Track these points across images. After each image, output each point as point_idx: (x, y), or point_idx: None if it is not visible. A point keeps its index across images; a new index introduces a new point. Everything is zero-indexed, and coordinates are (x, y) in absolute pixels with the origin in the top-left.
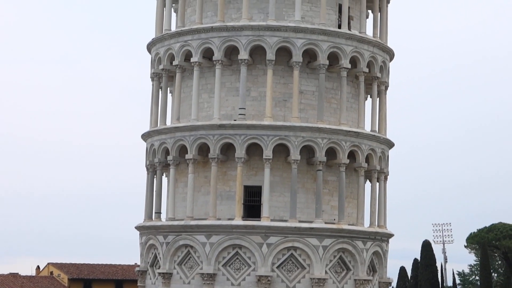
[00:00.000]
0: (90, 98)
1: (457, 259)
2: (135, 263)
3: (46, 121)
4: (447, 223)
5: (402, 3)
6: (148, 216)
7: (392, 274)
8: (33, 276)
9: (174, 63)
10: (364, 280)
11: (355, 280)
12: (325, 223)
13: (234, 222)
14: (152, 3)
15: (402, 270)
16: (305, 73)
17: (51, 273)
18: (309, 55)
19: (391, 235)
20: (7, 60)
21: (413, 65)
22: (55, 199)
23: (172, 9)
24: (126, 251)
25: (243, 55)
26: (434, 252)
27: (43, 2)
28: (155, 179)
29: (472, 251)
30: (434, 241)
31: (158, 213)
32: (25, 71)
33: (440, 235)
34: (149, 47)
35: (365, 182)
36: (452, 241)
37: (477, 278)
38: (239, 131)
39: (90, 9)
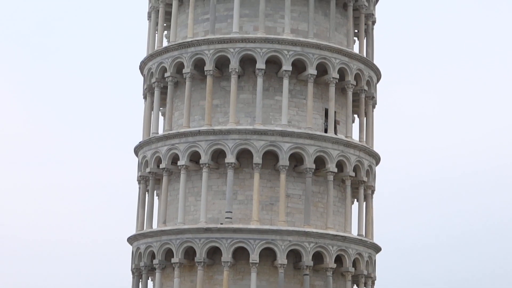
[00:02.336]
0: (74, 201)
1: None
2: None
3: (28, 220)
4: None
5: (388, 109)
6: None
7: None
8: None
9: (161, 166)
10: None
11: None
12: None
13: None
14: (139, 107)
15: None
16: (292, 176)
17: None
18: (296, 159)
19: None
20: None
21: (400, 169)
22: None
23: (160, 113)
24: None
25: (230, 158)
26: None
27: (26, 104)
28: (140, 283)
29: None
30: None
31: None
32: (10, 172)
33: None
34: (136, 150)
35: (352, 287)
36: None
37: None
38: (226, 234)
39: (76, 111)
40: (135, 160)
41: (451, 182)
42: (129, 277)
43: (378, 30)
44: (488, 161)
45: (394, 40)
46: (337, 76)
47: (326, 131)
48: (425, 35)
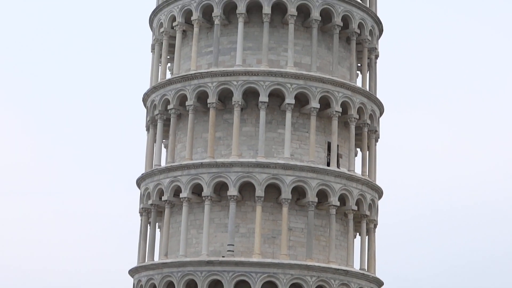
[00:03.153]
0: (76, 232)
1: None
2: None
3: (31, 250)
4: None
5: (390, 143)
6: None
7: None
8: None
9: (163, 198)
10: None
11: None
12: None
13: None
14: (142, 139)
15: None
16: (294, 210)
17: None
18: (298, 192)
19: None
20: None
21: (403, 203)
22: None
23: (162, 145)
24: None
25: (232, 191)
26: None
27: (30, 135)
28: None
29: None
30: None
31: None
32: (13, 202)
33: None
34: (139, 182)
35: None
36: None
37: None
38: (227, 267)
39: (79, 142)
40: (137, 192)
41: (454, 215)
42: None
43: (381, 64)
44: (491, 193)
45: (397, 74)
46: (340, 109)
47: (328, 164)
48: (428, 69)
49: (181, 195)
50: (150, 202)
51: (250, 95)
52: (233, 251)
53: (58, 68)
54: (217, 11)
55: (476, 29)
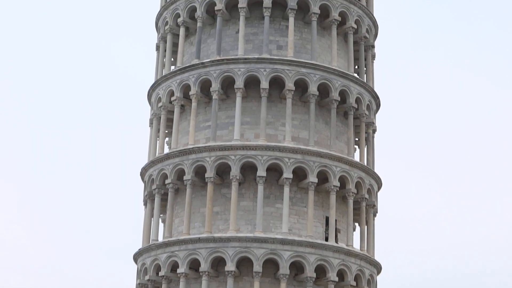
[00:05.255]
0: None
1: None
2: None
3: None
4: None
5: (389, 217)
6: None
7: None
8: None
9: (160, 273)
10: None
11: None
12: None
13: None
14: (140, 213)
15: None
16: (292, 285)
17: None
18: (296, 267)
19: None
20: None
21: (402, 277)
22: None
23: (160, 220)
24: None
25: (230, 266)
26: None
27: (25, 211)
28: None
29: None
30: None
31: None
32: (9, 276)
33: None
34: (136, 258)
35: None
36: None
37: None
38: None
39: (76, 217)
40: (134, 268)
41: (455, 287)
42: None
43: (379, 138)
44: (492, 263)
45: (395, 148)
46: (338, 184)
47: (327, 239)
48: (426, 144)
49: (178, 271)
50: (147, 277)
51: (248, 169)
52: None
53: (57, 144)
54: (215, 86)
55: (473, 103)
